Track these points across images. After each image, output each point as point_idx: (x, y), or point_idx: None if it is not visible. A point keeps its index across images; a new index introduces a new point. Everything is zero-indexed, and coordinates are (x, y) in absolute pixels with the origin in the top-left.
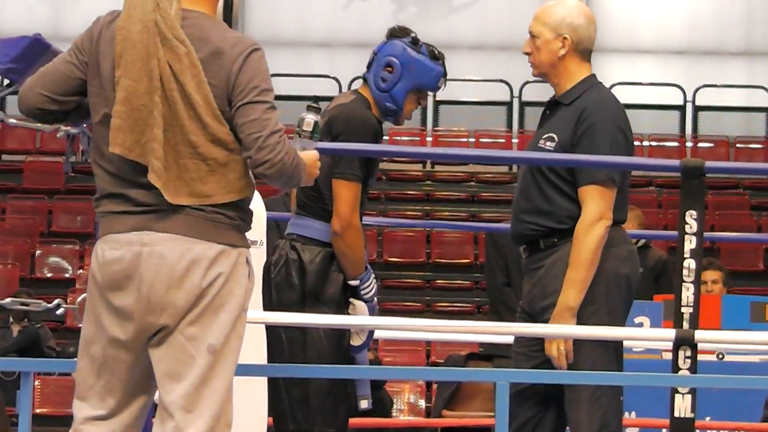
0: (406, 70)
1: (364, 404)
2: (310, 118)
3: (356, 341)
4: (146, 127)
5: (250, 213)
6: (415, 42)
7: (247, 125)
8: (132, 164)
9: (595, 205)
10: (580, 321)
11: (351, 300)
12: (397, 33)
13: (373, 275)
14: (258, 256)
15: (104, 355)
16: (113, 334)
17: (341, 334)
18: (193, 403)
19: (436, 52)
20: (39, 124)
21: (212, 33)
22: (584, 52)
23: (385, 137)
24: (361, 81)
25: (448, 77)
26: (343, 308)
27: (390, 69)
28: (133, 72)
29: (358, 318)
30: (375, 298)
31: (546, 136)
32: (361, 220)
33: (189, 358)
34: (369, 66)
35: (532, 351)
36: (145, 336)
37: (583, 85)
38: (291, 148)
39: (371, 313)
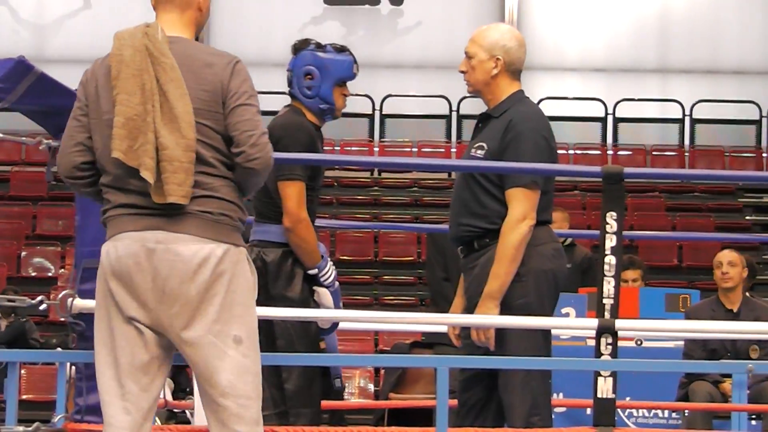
0: (324, 71)
1: (337, 383)
2: None
3: (325, 324)
4: (140, 134)
5: (245, 215)
6: (319, 46)
7: (241, 124)
8: (136, 174)
9: (520, 206)
10: (513, 312)
11: (314, 288)
12: (301, 45)
13: (330, 263)
14: None
15: (121, 346)
16: (132, 316)
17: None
18: (238, 389)
19: (339, 46)
20: (24, 138)
21: (198, 50)
22: (515, 72)
23: (336, 147)
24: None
25: (393, 94)
26: (308, 297)
27: (310, 76)
28: (128, 87)
29: (313, 312)
30: (336, 283)
31: (477, 145)
32: (314, 222)
33: (221, 352)
34: (290, 83)
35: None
36: (158, 327)
37: (511, 100)
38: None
39: (334, 297)
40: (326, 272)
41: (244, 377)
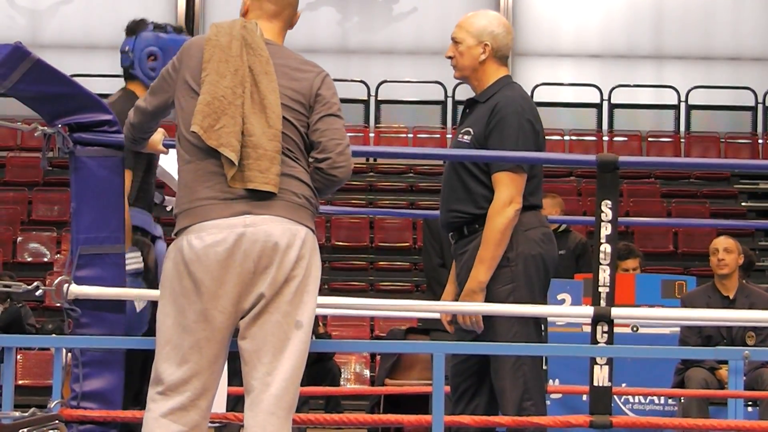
0: (167, 52)
1: None
2: None
3: (139, 306)
4: (223, 115)
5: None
6: (157, 26)
7: (330, 132)
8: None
9: (506, 189)
10: (502, 298)
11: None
12: (138, 26)
13: (137, 255)
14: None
15: (196, 338)
16: (209, 314)
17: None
18: (287, 371)
19: (178, 26)
20: (19, 123)
21: (290, 55)
22: (502, 57)
23: None
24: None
25: (388, 80)
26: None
27: (153, 57)
28: (220, 69)
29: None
30: (138, 276)
31: (464, 130)
32: (151, 208)
33: (284, 334)
34: (130, 66)
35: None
36: (244, 308)
37: (497, 85)
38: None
39: (131, 284)
40: (130, 259)
41: (294, 361)
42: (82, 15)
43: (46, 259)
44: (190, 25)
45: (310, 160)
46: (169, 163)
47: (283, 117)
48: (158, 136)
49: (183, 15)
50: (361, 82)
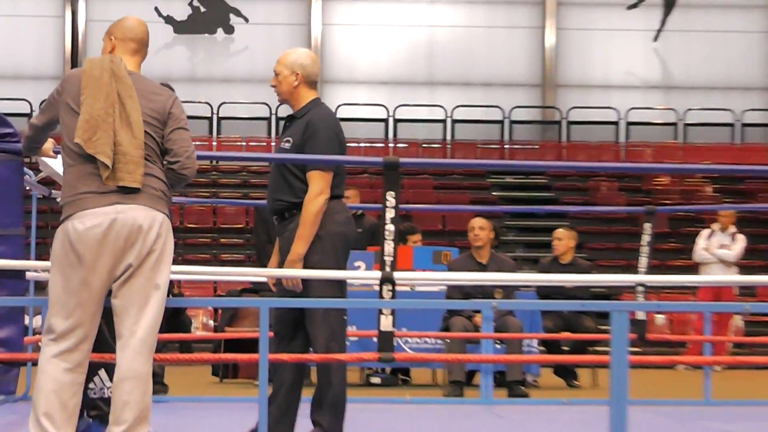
0: None
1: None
2: None
3: None
4: (98, 130)
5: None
6: None
7: (180, 141)
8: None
9: (317, 184)
10: (314, 265)
11: None
12: None
13: None
14: None
15: (79, 298)
16: (88, 280)
17: None
18: (148, 322)
19: None
20: None
21: (146, 83)
22: (311, 83)
23: None
24: None
25: (227, 101)
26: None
27: None
28: (93, 94)
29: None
30: None
31: (285, 139)
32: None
33: (147, 294)
34: None
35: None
36: (115, 275)
37: (309, 105)
38: None
39: None
40: None
41: (154, 314)
42: None
43: None
44: (74, 57)
45: (165, 162)
46: (57, 165)
47: (145, 130)
48: (48, 144)
49: (70, 49)
50: (206, 103)
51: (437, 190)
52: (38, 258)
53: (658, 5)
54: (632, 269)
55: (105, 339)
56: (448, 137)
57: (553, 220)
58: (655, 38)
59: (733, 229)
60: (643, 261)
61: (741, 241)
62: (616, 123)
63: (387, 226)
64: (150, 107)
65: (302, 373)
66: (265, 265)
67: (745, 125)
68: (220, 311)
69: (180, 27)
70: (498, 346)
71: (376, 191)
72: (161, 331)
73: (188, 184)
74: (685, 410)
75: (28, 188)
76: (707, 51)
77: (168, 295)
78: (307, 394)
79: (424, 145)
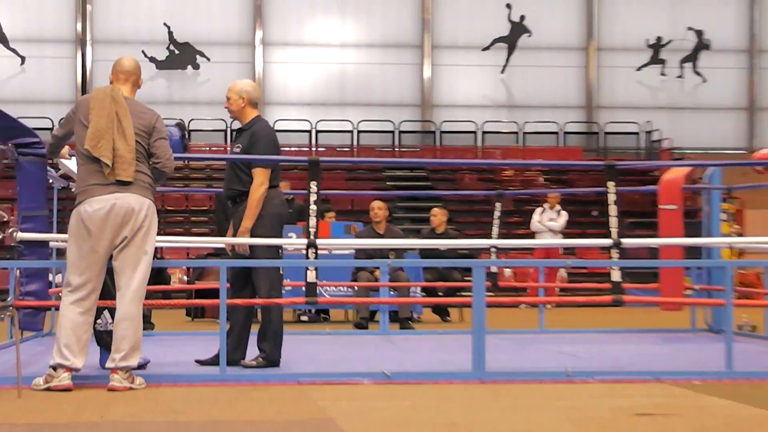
0: None
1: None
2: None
3: None
4: (101, 140)
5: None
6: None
7: (162, 148)
8: (98, 161)
9: (259, 177)
10: (258, 236)
11: None
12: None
13: None
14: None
15: (88, 261)
16: (95, 248)
17: None
18: (139, 279)
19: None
20: None
21: (138, 105)
22: (254, 104)
23: None
24: None
25: (195, 118)
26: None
27: None
28: (98, 113)
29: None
30: None
31: (236, 145)
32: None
33: (138, 258)
34: None
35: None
36: (115, 244)
37: (253, 120)
38: None
39: None
40: None
41: (144, 272)
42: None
43: (4, 220)
44: (84, 87)
45: (151, 163)
46: (72, 164)
47: (136, 140)
48: (65, 149)
49: (80, 81)
50: (181, 119)
51: (347, 181)
52: (59, 232)
53: (504, 48)
54: (488, 236)
55: (108, 290)
56: (355, 143)
57: (431, 203)
58: (502, 71)
59: (558, 207)
60: (495, 230)
61: (564, 216)
62: (474, 132)
63: (311, 207)
64: (140, 123)
65: (251, 314)
66: (223, 236)
67: (566, 133)
68: (191, 269)
69: (161, 65)
70: (392, 293)
71: (303, 182)
72: (149, 284)
73: (168, 178)
74: (526, 337)
75: (51, 181)
76: (539, 80)
77: (153, 258)
78: (254, 329)
79: (338, 149)
